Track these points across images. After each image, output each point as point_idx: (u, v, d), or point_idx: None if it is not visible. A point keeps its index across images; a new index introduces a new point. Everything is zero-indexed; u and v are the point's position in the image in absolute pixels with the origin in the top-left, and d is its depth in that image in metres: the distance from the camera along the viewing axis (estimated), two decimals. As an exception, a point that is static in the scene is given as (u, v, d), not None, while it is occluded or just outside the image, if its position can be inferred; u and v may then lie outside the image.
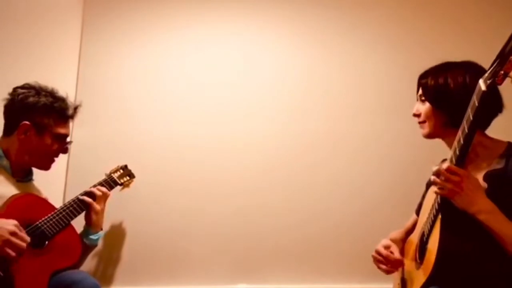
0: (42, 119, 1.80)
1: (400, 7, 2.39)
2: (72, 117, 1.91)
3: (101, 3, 2.45)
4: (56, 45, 2.34)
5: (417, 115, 1.57)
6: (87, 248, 1.93)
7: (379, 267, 1.62)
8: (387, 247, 1.62)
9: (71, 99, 1.91)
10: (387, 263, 1.59)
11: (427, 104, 1.52)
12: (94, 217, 1.91)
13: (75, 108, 1.91)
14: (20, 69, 2.08)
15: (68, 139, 1.91)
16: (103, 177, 2.06)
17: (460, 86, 1.44)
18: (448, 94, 1.46)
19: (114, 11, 2.44)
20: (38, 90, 1.82)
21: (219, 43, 2.41)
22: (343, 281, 2.16)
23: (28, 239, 1.54)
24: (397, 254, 1.59)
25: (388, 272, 1.62)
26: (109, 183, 2.03)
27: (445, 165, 1.31)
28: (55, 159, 1.89)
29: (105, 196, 1.97)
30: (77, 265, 1.89)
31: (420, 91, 1.56)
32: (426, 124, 1.54)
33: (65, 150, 1.91)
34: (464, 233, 1.33)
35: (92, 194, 1.93)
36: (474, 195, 1.29)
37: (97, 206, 1.91)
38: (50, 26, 2.32)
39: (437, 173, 1.31)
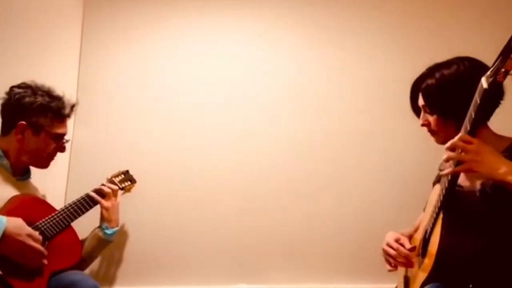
0: (38, 119, 1.80)
1: (409, 6, 2.36)
2: (69, 116, 1.89)
3: (101, 3, 2.44)
4: (56, 45, 2.33)
5: (425, 125, 1.55)
6: (102, 243, 1.98)
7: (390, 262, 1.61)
8: (397, 240, 1.59)
9: (69, 98, 1.89)
10: (397, 258, 1.56)
11: (435, 116, 1.51)
12: (105, 213, 1.96)
13: (72, 107, 1.89)
14: (20, 69, 2.07)
15: (65, 138, 1.90)
16: (105, 179, 2.06)
17: (457, 73, 1.45)
18: (449, 86, 1.45)
19: (114, 11, 2.43)
20: (34, 90, 1.81)
21: (224, 43, 2.39)
22: (343, 281, 2.16)
23: (40, 238, 1.63)
24: (408, 247, 1.55)
25: (395, 267, 1.60)
26: None
27: (457, 137, 1.25)
28: (54, 157, 1.89)
29: (114, 193, 2.01)
30: (88, 260, 1.96)
31: (422, 102, 1.54)
32: (440, 135, 1.53)
33: (62, 149, 1.90)
34: (464, 232, 1.33)
35: (101, 191, 1.98)
36: (494, 159, 1.23)
37: (105, 203, 1.96)
38: (50, 26, 2.31)
39: (451, 147, 1.25)
